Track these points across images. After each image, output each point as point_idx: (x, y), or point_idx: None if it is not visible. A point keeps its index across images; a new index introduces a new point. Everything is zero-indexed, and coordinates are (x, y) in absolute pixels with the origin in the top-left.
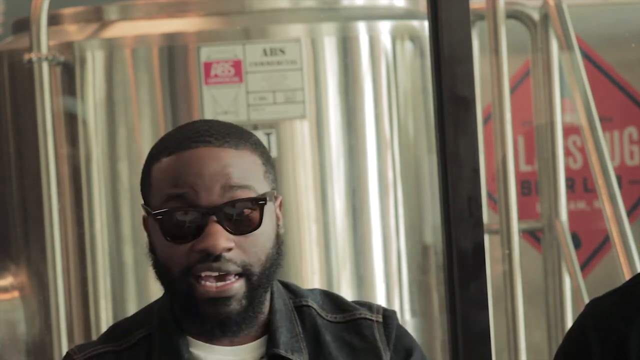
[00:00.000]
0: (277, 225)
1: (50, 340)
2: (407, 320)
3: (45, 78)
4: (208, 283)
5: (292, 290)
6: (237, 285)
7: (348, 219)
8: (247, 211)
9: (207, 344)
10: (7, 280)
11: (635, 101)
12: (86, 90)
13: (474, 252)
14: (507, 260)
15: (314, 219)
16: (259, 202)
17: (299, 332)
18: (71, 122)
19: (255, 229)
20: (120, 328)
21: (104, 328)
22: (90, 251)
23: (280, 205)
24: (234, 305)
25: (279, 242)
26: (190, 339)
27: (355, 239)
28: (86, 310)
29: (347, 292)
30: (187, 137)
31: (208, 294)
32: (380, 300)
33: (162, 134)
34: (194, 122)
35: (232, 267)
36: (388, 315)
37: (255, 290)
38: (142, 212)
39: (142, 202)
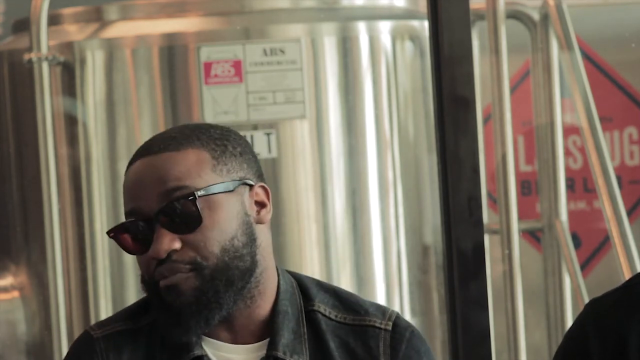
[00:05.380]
0: (249, 215)
1: (50, 340)
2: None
3: (45, 78)
4: (161, 280)
5: (304, 291)
6: (183, 278)
7: (348, 219)
8: (185, 209)
9: (213, 340)
10: (7, 280)
11: (635, 101)
12: (86, 90)
13: (474, 252)
14: (507, 260)
15: (314, 219)
16: (188, 199)
17: (304, 333)
18: (71, 122)
19: (198, 225)
20: (140, 306)
21: None
22: (90, 251)
23: (267, 195)
24: (187, 297)
25: (251, 231)
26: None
27: (355, 239)
28: (86, 310)
29: None
30: (135, 153)
31: (162, 284)
32: (380, 300)
33: None
34: (157, 135)
35: (180, 266)
36: (398, 325)
37: (209, 282)
38: None
39: None
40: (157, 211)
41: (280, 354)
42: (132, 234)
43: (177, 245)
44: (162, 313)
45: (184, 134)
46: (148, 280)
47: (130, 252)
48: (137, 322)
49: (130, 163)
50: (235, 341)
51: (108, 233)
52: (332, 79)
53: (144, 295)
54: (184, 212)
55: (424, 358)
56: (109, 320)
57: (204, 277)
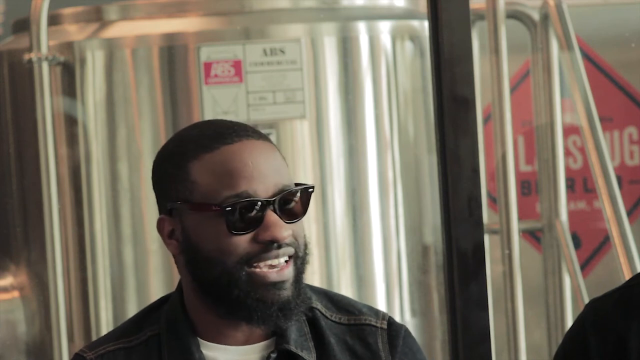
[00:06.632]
0: None
1: (50, 340)
2: (407, 321)
3: (45, 78)
4: (267, 269)
5: None
6: (290, 270)
7: (348, 219)
8: (297, 199)
9: (216, 344)
10: (7, 280)
11: (635, 101)
12: (86, 90)
13: (474, 252)
14: (507, 260)
15: (314, 219)
16: (308, 190)
17: (307, 332)
18: (71, 122)
19: (303, 216)
20: (131, 324)
21: (104, 328)
22: (90, 251)
23: None
24: (288, 289)
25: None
26: (200, 340)
27: (355, 239)
28: (86, 310)
29: (347, 292)
30: (223, 132)
31: (268, 279)
32: (381, 300)
33: (162, 134)
34: (209, 121)
35: (290, 251)
36: (393, 323)
37: (300, 274)
38: (143, 212)
39: (171, 200)
40: (280, 195)
41: (292, 348)
42: (243, 213)
43: (290, 232)
44: (251, 302)
45: (252, 128)
46: (237, 262)
47: (234, 231)
48: (130, 341)
49: (222, 142)
50: (240, 342)
51: (224, 208)
52: (332, 79)
53: (143, 295)
54: (296, 202)
55: (417, 354)
56: (100, 341)
57: (297, 269)
